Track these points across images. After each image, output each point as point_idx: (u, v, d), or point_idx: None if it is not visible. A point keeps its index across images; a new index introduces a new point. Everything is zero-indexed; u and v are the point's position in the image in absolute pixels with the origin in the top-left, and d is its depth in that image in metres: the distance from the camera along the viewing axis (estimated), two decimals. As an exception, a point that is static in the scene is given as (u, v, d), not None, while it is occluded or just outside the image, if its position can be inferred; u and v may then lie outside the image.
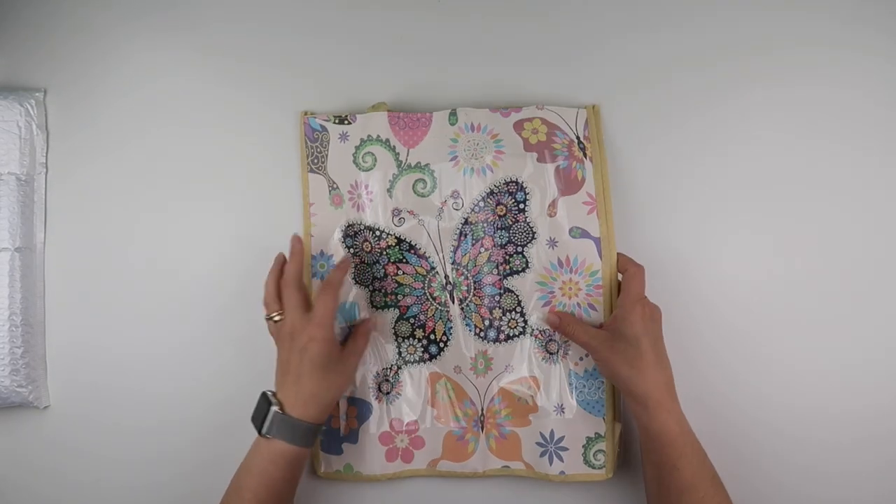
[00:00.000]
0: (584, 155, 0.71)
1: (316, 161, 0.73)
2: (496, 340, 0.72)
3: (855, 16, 0.73)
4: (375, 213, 0.72)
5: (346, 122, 0.73)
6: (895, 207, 0.72)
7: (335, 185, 0.73)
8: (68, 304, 0.74)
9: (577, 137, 0.71)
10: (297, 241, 0.70)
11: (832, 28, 0.73)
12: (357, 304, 0.73)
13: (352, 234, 0.73)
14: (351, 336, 0.70)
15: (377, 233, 0.72)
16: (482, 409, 0.72)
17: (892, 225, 0.72)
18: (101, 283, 0.74)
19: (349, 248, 0.73)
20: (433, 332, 0.73)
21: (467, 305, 0.72)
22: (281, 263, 0.70)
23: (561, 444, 0.71)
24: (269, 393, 0.66)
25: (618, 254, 0.71)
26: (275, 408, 0.64)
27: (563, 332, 0.70)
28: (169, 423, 0.74)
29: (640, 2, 0.74)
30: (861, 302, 0.72)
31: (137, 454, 0.74)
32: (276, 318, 0.67)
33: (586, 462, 0.70)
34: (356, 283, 0.73)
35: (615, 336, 0.65)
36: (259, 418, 0.65)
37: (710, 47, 0.74)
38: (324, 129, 0.72)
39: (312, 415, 0.65)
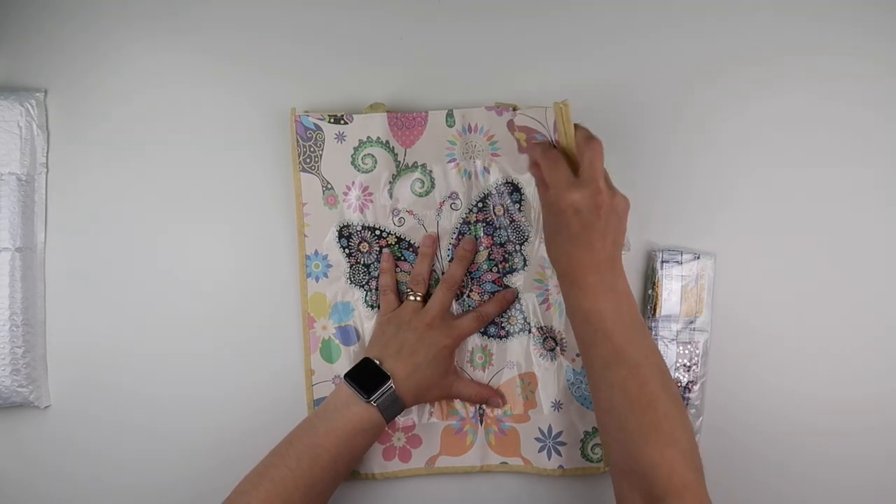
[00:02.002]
0: None
1: (309, 160, 0.72)
2: (496, 336, 0.72)
3: (850, 21, 0.73)
4: (375, 214, 0.72)
5: (342, 121, 0.72)
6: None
7: (329, 186, 0.72)
8: (69, 304, 0.74)
9: (552, 141, 0.67)
10: (431, 240, 0.72)
11: (831, 34, 0.74)
12: (351, 304, 0.73)
13: (347, 234, 0.73)
14: (464, 384, 0.72)
15: (377, 232, 0.73)
16: (481, 405, 0.72)
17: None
18: (101, 283, 0.74)
19: (344, 248, 0.72)
20: None
21: (464, 300, 0.72)
22: (433, 255, 0.72)
23: (559, 440, 0.71)
24: (376, 361, 0.67)
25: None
26: (392, 381, 0.65)
27: (539, 166, 0.63)
28: (169, 423, 0.74)
29: (635, 2, 0.74)
30: (856, 301, 0.73)
31: (137, 454, 0.74)
32: (415, 299, 0.70)
33: (584, 456, 0.71)
34: (351, 283, 0.73)
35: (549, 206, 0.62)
36: (369, 385, 0.65)
37: (708, 48, 0.74)
38: (318, 128, 0.72)
39: (409, 399, 0.67)
